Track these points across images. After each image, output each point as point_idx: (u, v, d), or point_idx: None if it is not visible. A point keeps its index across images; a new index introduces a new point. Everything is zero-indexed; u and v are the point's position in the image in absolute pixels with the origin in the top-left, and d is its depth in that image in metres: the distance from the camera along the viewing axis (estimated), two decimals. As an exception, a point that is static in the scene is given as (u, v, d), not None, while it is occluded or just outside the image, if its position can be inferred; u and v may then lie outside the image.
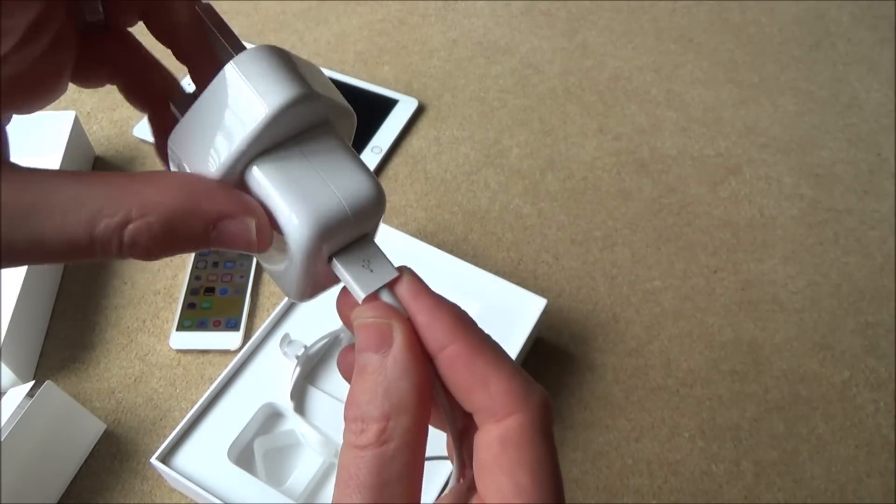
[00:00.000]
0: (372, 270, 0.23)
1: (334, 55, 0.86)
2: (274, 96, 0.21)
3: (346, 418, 0.21)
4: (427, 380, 0.22)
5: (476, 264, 0.62)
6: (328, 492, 0.53)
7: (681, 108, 0.82)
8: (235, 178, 0.22)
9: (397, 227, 0.65)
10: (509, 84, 0.84)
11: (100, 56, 0.23)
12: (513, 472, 0.20)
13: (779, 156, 0.77)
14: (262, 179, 0.22)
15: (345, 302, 0.24)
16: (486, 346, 0.22)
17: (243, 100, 0.21)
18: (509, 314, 0.59)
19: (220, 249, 0.22)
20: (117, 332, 0.62)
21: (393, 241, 0.64)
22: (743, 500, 0.55)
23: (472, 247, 0.69)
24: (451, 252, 0.63)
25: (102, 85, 0.24)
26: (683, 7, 0.94)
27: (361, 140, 0.76)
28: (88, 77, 0.24)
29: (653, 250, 0.69)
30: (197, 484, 0.50)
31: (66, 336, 0.62)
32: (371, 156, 0.75)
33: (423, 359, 0.22)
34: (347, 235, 0.23)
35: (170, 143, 0.22)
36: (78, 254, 0.20)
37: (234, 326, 0.61)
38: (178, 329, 0.61)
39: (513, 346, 0.57)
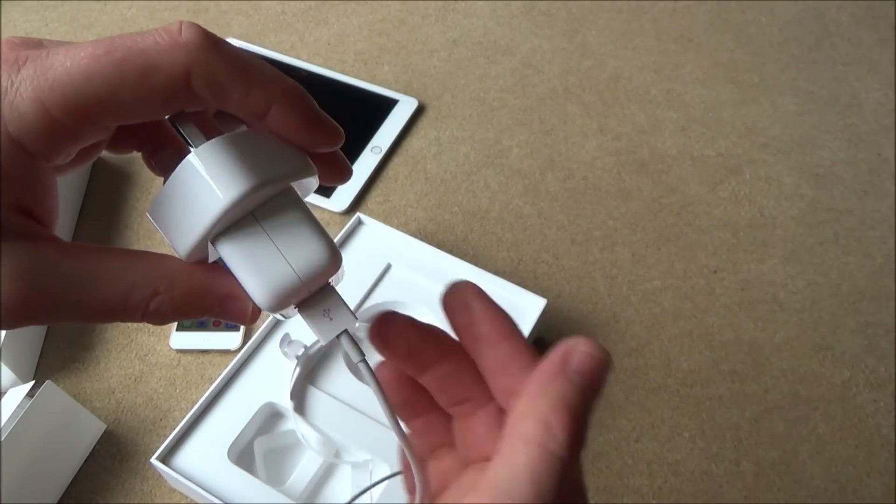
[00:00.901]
0: (331, 319, 0.26)
1: (334, 55, 0.86)
2: (228, 189, 0.23)
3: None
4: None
5: (476, 264, 0.62)
6: (328, 492, 0.53)
7: (681, 108, 0.82)
8: (206, 247, 0.25)
9: (397, 227, 0.65)
10: (509, 84, 0.84)
11: (130, 131, 0.27)
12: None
13: (779, 156, 0.77)
14: (226, 251, 0.25)
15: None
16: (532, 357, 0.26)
17: (203, 189, 0.24)
18: (509, 314, 0.59)
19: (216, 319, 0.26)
20: (117, 332, 0.62)
21: (393, 241, 0.64)
22: (743, 500, 0.55)
23: (472, 247, 0.69)
24: (451, 252, 0.63)
25: (130, 153, 0.29)
26: (683, 7, 0.94)
27: (361, 140, 0.76)
28: (119, 147, 0.28)
29: (653, 250, 0.69)
30: (197, 484, 0.50)
31: (66, 336, 0.62)
32: (371, 156, 0.75)
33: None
34: (305, 293, 0.26)
35: (150, 213, 0.26)
36: (109, 317, 0.24)
37: (234, 326, 0.61)
38: (178, 329, 0.61)
39: (513, 346, 0.57)
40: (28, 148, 0.22)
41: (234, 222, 0.25)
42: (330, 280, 0.26)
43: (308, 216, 0.26)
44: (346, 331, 0.26)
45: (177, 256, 0.25)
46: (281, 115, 0.24)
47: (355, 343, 0.27)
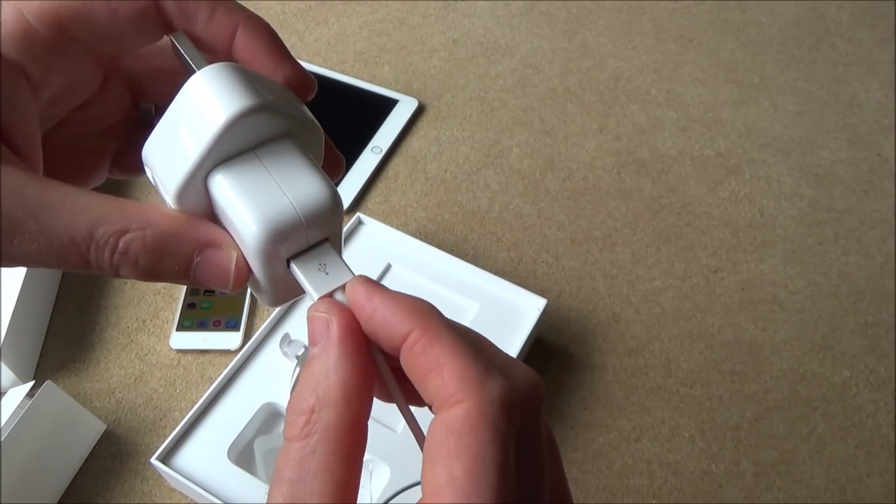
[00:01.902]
0: (328, 274, 0.24)
1: (334, 55, 0.86)
2: (233, 104, 0.22)
3: (286, 410, 0.21)
4: (363, 374, 0.21)
5: (476, 264, 0.62)
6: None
7: (681, 108, 0.82)
8: (199, 185, 0.23)
9: (397, 227, 0.65)
10: (509, 84, 0.84)
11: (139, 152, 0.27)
12: (449, 461, 0.19)
13: (779, 156, 0.77)
14: (222, 185, 0.23)
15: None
16: (448, 332, 0.21)
17: (206, 107, 0.22)
18: (509, 314, 0.59)
19: (197, 285, 0.24)
20: (117, 332, 0.62)
21: (393, 241, 0.64)
22: (743, 500, 0.55)
23: (472, 247, 0.69)
24: (451, 252, 0.63)
25: (139, 176, 0.28)
26: (683, 7, 0.94)
27: (361, 140, 0.76)
28: (126, 169, 0.28)
29: (653, 250, 0.69)
30: (197, 484, 0.50)
31: (66, 336, 0.62)
32: (371, 156, 0.75)
33: (358, 353, 0.21)
34: (302, 240, 0.24)
35: (143, 154, 0.24)
36: (73, 253, 0.22)
37: (234, 326, 0.61)
38: (178, 329, 0.61)
39: (513, 347, 0.57)
40: (6, 55, 0.22)
41: (233, 157, 0.23)
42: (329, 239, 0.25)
43: (311, 162, 0.24)
44: (342, 287, 0.24)
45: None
46: (247, 40, 0.24)
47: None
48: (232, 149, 0.23)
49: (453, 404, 0.19)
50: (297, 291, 0.26)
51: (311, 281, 0.24)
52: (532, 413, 0.21)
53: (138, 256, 0.22)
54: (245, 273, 0.24)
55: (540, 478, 0.21)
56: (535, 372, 0.22)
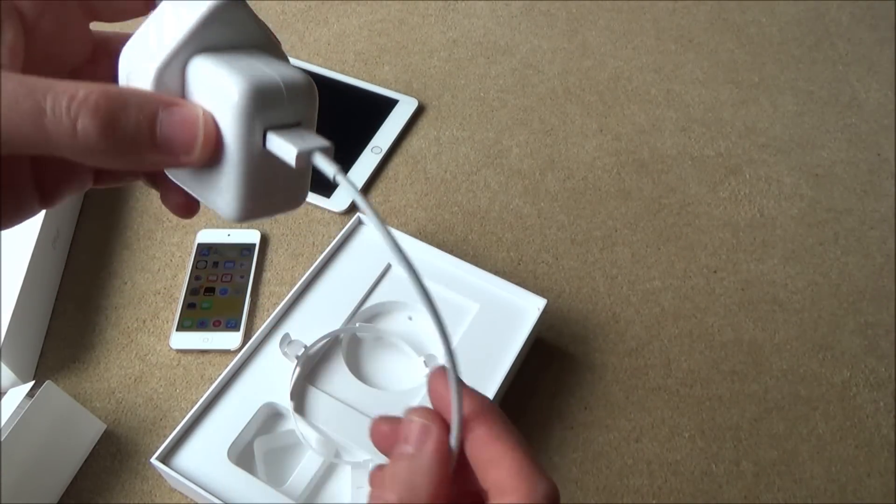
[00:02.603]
0: (303, 139, 0.24)
1: (334, 55, 0.86)
2: None
3: (371, 484, 0.26)
4: (446, 479, 0.25)
5: (476, 264, 0.62)
6: (328, 492, 0.53)
7: (681, 108, 0.82)
8: (178, 71, 0.23)
9: (397, 227, 0.65)
10: (509, 84, 0.84)
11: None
12: None
13: (779, 156, 0.77)
14: (202, 65, 0.23)
15: (378, 430, 0.28)
16: (508, 432, 0.25)
17: (189, 4, 0.23)
18: (509, 314, 0.59)
19: (165, 161, 0.23)
20: (117, 332, 0.62)
21: (393, 241, 0.64)
22: (743, 500, 0.55)
23: (472, 247, 0.69)
24: (451, 252, 0.63)
25: (128, 182, 0.29)
26: (683, 7, 0.94)
27: (361, 140, 0.76)
28: (108, 178, 0.28)
29: (653, 250, 0.69)
30: (197, 484, 0.50)
31: (66, 336, 0.62)
32: (371, 156, 0.75)
33: (447, 461, 0.25)
34: (281, 111, 0.24)
35: (121, 57, 0.24)
36: (35, 124, 0.20)
37: (234, 326, 0.61)
38: (178, 329, 0.61)
39: (513, 346, 0.57)
40: None
41: (213, 50, 0.24)
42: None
43: (286, 61, 0.26)
44: (319, 150, 0.24)
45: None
46: None
47: (330, 160, 0.24)
48: (213, 40, 0.24)
49: (510, 494, 0.24)
50: (266, 193, 0.25)
51: (288, 139, 0.23)
52: None
53: (98, 100, 0.20)
54: (214, 134, 0.23)
55: None
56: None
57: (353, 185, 0.23)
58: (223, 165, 0.24)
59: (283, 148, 0.23)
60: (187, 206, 0.27)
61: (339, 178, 0.23)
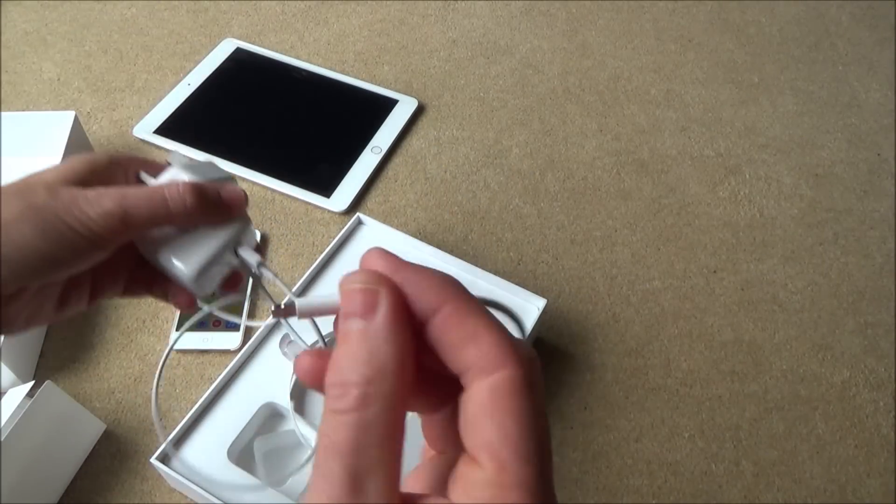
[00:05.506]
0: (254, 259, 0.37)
1: (334, 55, 0.86)
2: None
3: (326, 384, 0.21)
4: (411, 345, 0.22)
5: (476, 264, 0.62)
6: (328, 492, 0.53)
7: (681, 108, 0.82)
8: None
9: (397, 227, 0.65)
10: (509, 84, 0.84)
11: (144, 279, 0.39)
12: (502, 420, 0.20)
13: (779, 156, 0.77)
14: None
15: (303, 364, 0.24)
16: (477, 307, 0.22)
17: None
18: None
19: (229, 212, 0.36)
20: (117, 332, 0.62)
21: (393, 241, 0.64)
22: (743, 500, 0.55)
23: (472, 247, 0.69)
24: (451, 252, 0.63)
25: (145, 296, 0.39)
26: (683, 7, 0.94)
27: (361, 140, 0.76)
28: (135, 291, 0.39)
29: (652, 250, 0.69)
30: (197, 484, 0.50)
31: (66, 336, 0.62)
32: (371, 156, 0.75)
33: (408, 324, 0.22)
34: (248, 243, 0.37)
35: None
36: (164, 206, 0.34)
37: (234, 326, 0.61)
38: (178, 329, 0.61)
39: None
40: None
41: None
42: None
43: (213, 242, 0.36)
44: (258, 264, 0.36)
45: None
46: None
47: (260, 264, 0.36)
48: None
49: (495, 370, 0.21)
50: (208, 272, 0.36)
51: (250, 254, 0.36)
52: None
53: (191, 187, 0.34)
54: (245, 199, 0.37)
55: (547, 431, 0.23)
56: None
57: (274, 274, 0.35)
58: (206, 243, 0.35)
59: (250, 255, 0.36)
60: (188, 303, 0.38)
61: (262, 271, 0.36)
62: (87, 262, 0.33)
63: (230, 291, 0.39)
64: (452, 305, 0.22)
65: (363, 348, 0.21)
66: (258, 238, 0.38)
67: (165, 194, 0.34)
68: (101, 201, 0.32)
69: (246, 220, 0.37)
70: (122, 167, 0.36)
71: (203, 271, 0.35)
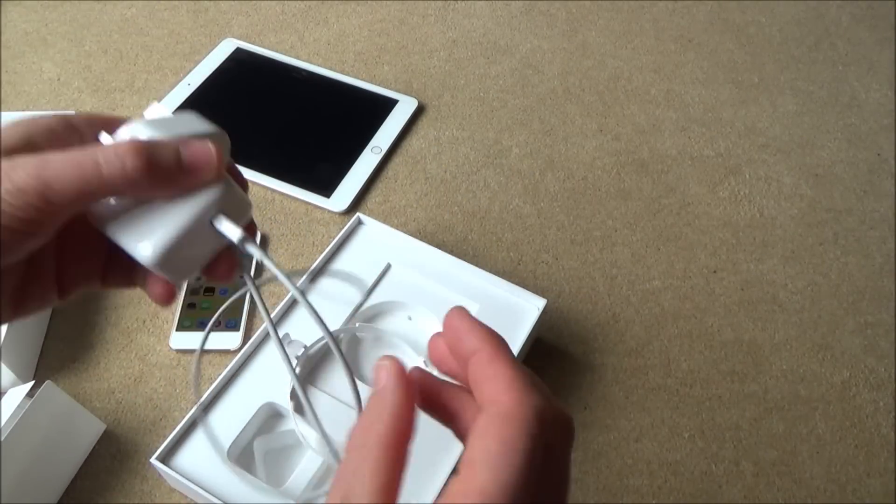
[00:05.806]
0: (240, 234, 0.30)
1: (334, 55, 0.86)
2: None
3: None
4: (410, 401, 0.26)
5: (476, 264, 0.62)
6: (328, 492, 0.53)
7: (681, 108, 0.82)
8: None
9: (397, 227, 0.65)
10: (509, 84, 0.84)
11: (122, 266, 0.32)
12: (486, 440, 0.23)
13: (779, 156, 0.77)
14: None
15: (436, 347, 0.30)
16: (509, 357, 0.27)
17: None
18: (509, 314, 0.59)
19: (192, 182, 0.28)
20: (117, 332, 0.62)
21: (393, 241, 0.64)
22: (743, 500, 0.55)
23: (472, 247, 0.69)
24: (451, 252, 0.63)
25: (129, 287, 0.33)
26: (683, 7, 0.94)
27: (361, 140, 0.76)
28: (115, 282, 0.32)
29: (652, 250, 0.69)
30: (197, 484, 0.50)
31: (66, 336, 0.62)
32: (371, 156, 0.75)
33: (409, 388, 0.26)
34: (236, 214, 0.30)
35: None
36: (95, 173, 0.26)
37: (234, 326, 0.61)
38: (178, 329, 0.61)
39: (513, 346, 0.57)
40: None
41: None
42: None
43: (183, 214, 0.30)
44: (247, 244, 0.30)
45: None
46: None
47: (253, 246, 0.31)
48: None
49: (499, 403, 0.24)
50: (178, 253, 0.29)
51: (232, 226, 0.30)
52: (563, 443, 0.25)
53: (135, 147, 0.27)
54: (221, 157, 0.29)
55: (557, 490, 0.25)
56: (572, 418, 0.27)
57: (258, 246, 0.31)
58: (173, 215, 0.28)
59: (229, 229, 0.29)
60: (165, 295, 0.31)
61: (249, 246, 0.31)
62: (15, 251, 0.26)
63: (223, 278, 0.32)
64: (486, 351, 0.26)
65: (373, 403, 0.26)
66: (250, 206, 0.31)
67: (99, 158, 0.26)
68: (14, 174, 0.25)
69: (226, 186, 0.29)
70: (79, 132, 0.29)
71: (171, 252, 0.28)
